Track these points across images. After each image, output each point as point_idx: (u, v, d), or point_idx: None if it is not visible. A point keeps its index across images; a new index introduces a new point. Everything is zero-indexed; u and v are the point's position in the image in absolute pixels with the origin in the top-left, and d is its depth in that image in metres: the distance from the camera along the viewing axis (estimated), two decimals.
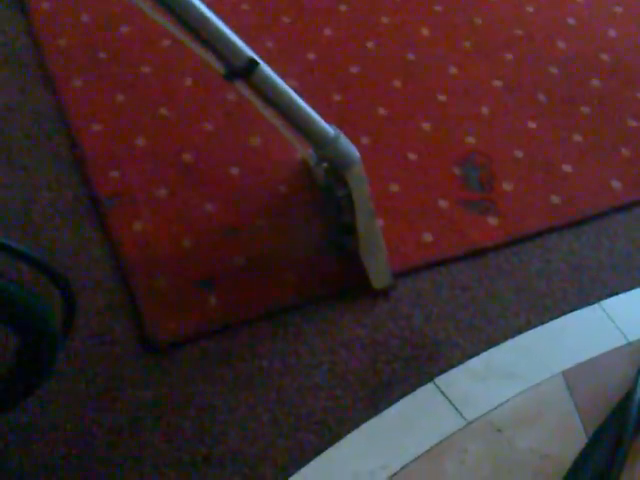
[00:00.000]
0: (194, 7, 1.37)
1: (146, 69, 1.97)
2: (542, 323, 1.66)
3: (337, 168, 1.56)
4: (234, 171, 1.81)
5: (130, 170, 1.78)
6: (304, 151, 1.64)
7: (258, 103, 1.50)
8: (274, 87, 1.47)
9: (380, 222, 1.76)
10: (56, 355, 1.27)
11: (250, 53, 1.42)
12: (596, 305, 1.69)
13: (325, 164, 1.62)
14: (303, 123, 1.52)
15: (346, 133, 1.80)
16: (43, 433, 1.43)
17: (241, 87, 1.46)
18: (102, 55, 1.98)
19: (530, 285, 1.71)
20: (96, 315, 1.58)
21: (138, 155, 1.81)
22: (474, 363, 1.58)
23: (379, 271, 1.65)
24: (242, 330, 1.59)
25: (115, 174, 1.76)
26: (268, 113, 1.52)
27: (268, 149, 1.86)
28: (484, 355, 1.59)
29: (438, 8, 2.22)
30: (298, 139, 1.57)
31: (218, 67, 1.44)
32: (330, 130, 1.54)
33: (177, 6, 1.36)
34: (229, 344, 1.57)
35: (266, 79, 1.46)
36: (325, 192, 1.70)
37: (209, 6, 1.39)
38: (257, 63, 1.42)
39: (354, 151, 1.56)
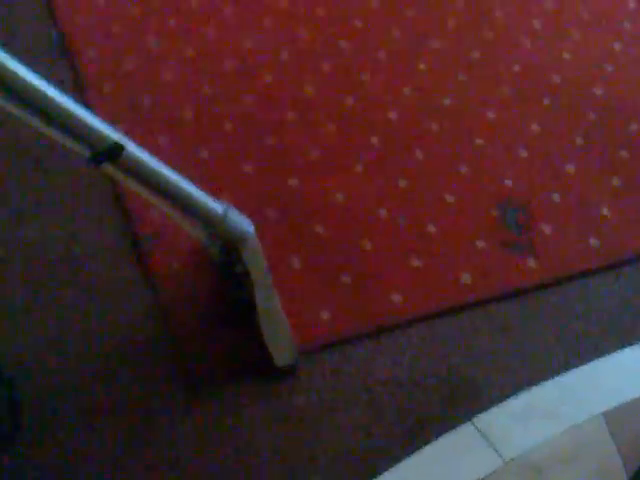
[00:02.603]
0: (47, 96, 1.29)
1: (188, 114, 2.01)
2: (582, 364, 1.64)
3: (231, 244, 1.49)
4: (270, 213, 1.83)
5: None
6: (194, 231, 1.53)
7: (135, 186, 1.41)
8: (146, 169, 1.39)
9: (417, 263, 1.76)
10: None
11: (115, 136, 1.34)
12: (636, 346, 1.67)
13: (218, 242, 1.54)
14: (186, 203, 1.44)
15: (384, 177, 1.83)
16: (85, 465, 1.44)
17: (111, 171, 1.38)
18: (145, 101, 2.03)
19: (569, 326, 1.70)
20: (135, 351, 1.59)
21: None
22: (513, 403, 1.56)
23: (282, 348, 1.57)
24: (279, 368, 1.59)
25: (155, 213, 1.79)
26: (148, 194, 1.43)
27: (305, 190, 1.88)
28: (523, 395, 1.58)
29: (476, 55, 2.24)
30: (186, 219, 1.48)
31: (81, 151, 1.34)
32: (218, 207, 1.47)
33: (28, 95, 1.28)
34: (266, 381, 1.57)
35: (136, 162, 1.38)
36: (222, 269, 1.63)
37: None
38: (122, 146, 1.34)
39: (247, 224, 1.50)
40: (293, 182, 1.90)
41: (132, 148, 1.37)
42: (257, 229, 1.77)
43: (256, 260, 1.51)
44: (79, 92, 2.04)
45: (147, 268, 1.71)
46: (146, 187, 1.41)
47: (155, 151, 1.89)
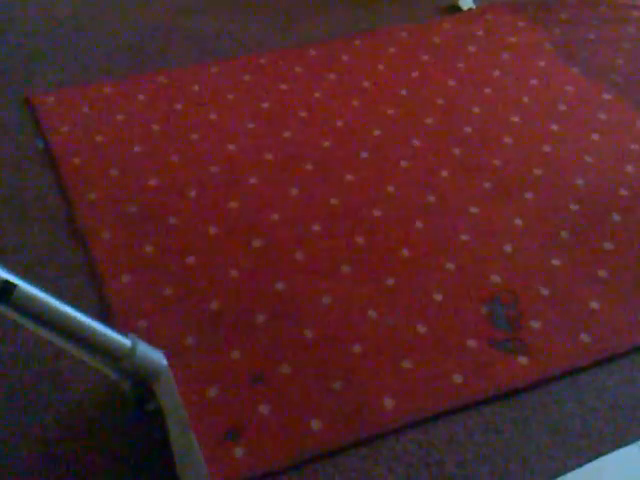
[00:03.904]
0: None
1: (173, 220, 2.02)
2: (579, 465, 1.60)
3: (142, 380, 1.43)
4: (260, 318, 1.82)
5: (157, 319, 1.79)
6: (103, 369, 1.46)
7: (31, 326, 1.35)
8: (41, 308, 1.34)
9: (408, 364, 1.74)
10: None
11: (5, 275, 1.29)
12: (634, 445, 1.64)
13: (129, 378, 1.46)
14: (89, 341, 1.39)
15: (369, 276, 1.82)
16: None
17: (2, 312, 1.31)
18: (130, 209, 2.04)
19: (565, 426, 1.67)
20: (123, 470, 1.55)
21: (165, 305, 1.83)
22: None
23: None
24: None
25: (143, 324, 1.78)
26: (46, 334, 1.37)
27: (292, 293, 1.87)
28: None
29: (456, 151, 2.27)
30: (91, 356, 1.42)
31: None
32: (126, 341, 1.43)
33: None
34: None
35: (30, 301, 1.32)
36: (134, 407, 1.56)
37: None
38: (14, 285, 1.28)
39: (159, 357, 1.45)
40: (280, 286, 1.89)
41: (25, 287, 1.31)
42: (245, 334, 1.77)
43: (170, 395, 1.44)
44: (64, 201, 2.05)
45: None
46: (43, 327, 1.35)
47: (141, 257, 1.91)
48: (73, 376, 1.69)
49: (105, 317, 1.79)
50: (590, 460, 1.62)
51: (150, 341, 1.73)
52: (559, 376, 1.76)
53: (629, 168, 2.26)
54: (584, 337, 1.83)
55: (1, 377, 1.67)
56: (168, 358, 1.65)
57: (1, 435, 1.58)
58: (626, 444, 1.65)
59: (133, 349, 1.42)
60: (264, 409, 1.65)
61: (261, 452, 1.58)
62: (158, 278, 1.88)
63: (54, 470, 1.54)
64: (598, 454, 1.63)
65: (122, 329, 1.76)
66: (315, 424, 1.63)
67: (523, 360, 1.77)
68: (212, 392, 1.67)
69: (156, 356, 1.45)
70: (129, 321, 1.78)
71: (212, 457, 1.57)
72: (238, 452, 1.58)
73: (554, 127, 2.38)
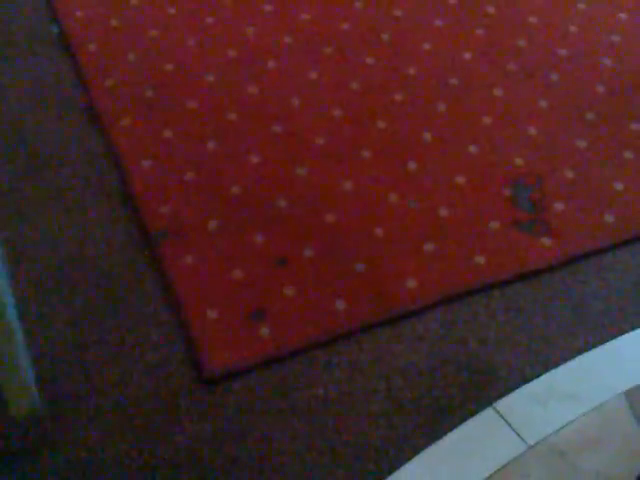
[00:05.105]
0: None
1: (192, 104, 1.99)
2: (601, 343, 1.62)
3: None
4: (281, 203, 1.81)
5: (180, 204, 1.79)
6: None
7: None
8: None
9: (430, 247, 1.75)
10: None
11: None
12: None
13: None
14: None
15: (393, 161, 1.81)
16: (103, 468, 1.43)
17: None
18: (149, 93, 2.01)
19: (587, 305, 1.68)
20: (151, 349, 1.58)
21: (187, 189, 1.82)
22: (533, 386, 1.55)
23: (18, 394, 1.41)
24: (296, 360, 1.58)
25: (165, 209, 1.78)
26: None
27: (313, 179, 1.86)
28: (543, 378, 1.56)
29: (480, 32, 2.21)
30: None
31: None
32: None
33: None
34: (284, 374, 1.56)
35: None
36: None
37: None
38: None
39: None
40: (301, 171, 1.88)
41: None
42: (267, 219, 1.77)
43: None
44: (81, 87, 2.02)
45: (159, 264, 1.70)
46: None
47: (161, 142, 1.89)
48: (98, 260, 1.70)
49: (128, 202, 1.80)
50: (612, 338, 1.63)
51: (173, 225, 1.74)
52: (582, 256, 1.76)
53: None
54: (608, 218, 1.81)
55: (27, 262, 1.69)
56: (193, 240, 1.67)
57: (31, 317, 1.61)
58: None
59: None
60: (289, 290, 1.66)
61: (287, 331, 1.61)
62: (179, 163, 1.87)
63: (82, 351, 1.58)
64: (621, 332, 1.64)
65: (145, 216, 1.77)
66: (339, 304, 1.65)
67: (546, 241, 1.77)
68: (237, 274, 1.68)
69: None
70: (151, 207, 1.79)
71: (239, 336, 1.60)
72: (264, 331, 1.60)
73: (580, 6, 2.31)
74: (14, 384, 1.39)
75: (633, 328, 1.65)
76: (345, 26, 2.21)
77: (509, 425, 1.48)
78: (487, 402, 1.53)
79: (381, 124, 1.98)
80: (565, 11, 2.29)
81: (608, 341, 1.63)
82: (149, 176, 1.84)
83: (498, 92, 2.07)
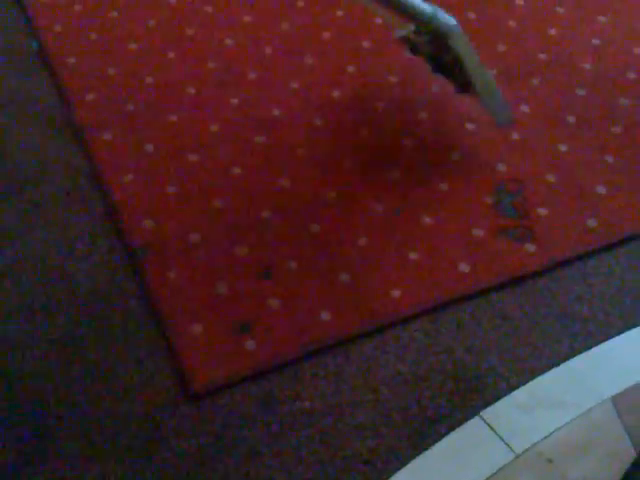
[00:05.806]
0: None
1: (173, 117, 1.99)
2: (587, 349, 1.62)
3: (440, 37, 1.80)
4: (264, 214, 1.81)
5: (162, 218, 1.79)
6: (405, 27, 1.91)
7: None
8: None
9: (414, 255, 1.74)
10: None
11: None
12: None
13: (426, 37, 1.87)
14: (403, 5, 1.78)
15: (374, 168, 1.82)
16: None
17: None
18: (129, 107, 2.01)
19: (572, 311, 1.68)
20: (135, 365, 1.58)
21: (169, 203, 1.82)
22: (520, 394, 1.55)
23: (500, 109, 1.89)
24: (282, 372, 1.58)
25: (147, 223, 1.77)
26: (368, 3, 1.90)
27: (296, 189, 1.86)
28: (530, 385, 1.56)
29: None
30: (401, 18, 1.85)
31: None
32: (427, 7, 1.79)
33: None
34: (269, 387, 1.56)
35: None
36: (430, 61, 1.96)
37: None
38: None
39: (452, 20, 1.80)
40: (284, 182, 1.87)
41: None
42: (250, 231, 1.77)
43: (465, 46, 1.81)
44: (62, 102, 2.02)
45: (142, 279, 1.69)
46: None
47: (142, 156, 1.88)
48: (81, 277, 1.69)
49: (110, 217, 1.79)
50: (597, 343, 1.64)
51: (156, 239, 1.74)
52: (566, 262, 1.76)
53: (637, 50, 2.20)
54: (590, 222, 1.82)
55: (12, 281, 1.68)
56: (176, 254, 1.67)
57: (15, 336, 1.60)
58: (633, 326, 1.66)
59: (435, 13, 1.79)
60: (273, 303, 1.66)
61: (272, 344, 1.60)
62: (160, 177, 1.87)
63: (66, 370, 1.57)
64: (606, 337, 1.65)
65: (128, 231, 1.76)
66: (325, 315, 1.64)
67: (530, 247, 1.77)
68: (221, 287, 1.68)
69: (450, 19, 1.80)
70: (133, 221, 1.78)
71: (224, 351, 1.59)
72: (250, 345, 1.59)
73: (559, 10, 2.31)
74: (496, 102, 1.89)
75: (618, 333, 1.65)
76: (326, 35, 2.21)
77: (496, 434, 1.48)
78: (474, 411, 1.52)
79: (364, 132, 1.98)
80: (545, 15, 2.29)
81: (594, 347, 1.63)
82: (131, 190, 1.84)
83: None
